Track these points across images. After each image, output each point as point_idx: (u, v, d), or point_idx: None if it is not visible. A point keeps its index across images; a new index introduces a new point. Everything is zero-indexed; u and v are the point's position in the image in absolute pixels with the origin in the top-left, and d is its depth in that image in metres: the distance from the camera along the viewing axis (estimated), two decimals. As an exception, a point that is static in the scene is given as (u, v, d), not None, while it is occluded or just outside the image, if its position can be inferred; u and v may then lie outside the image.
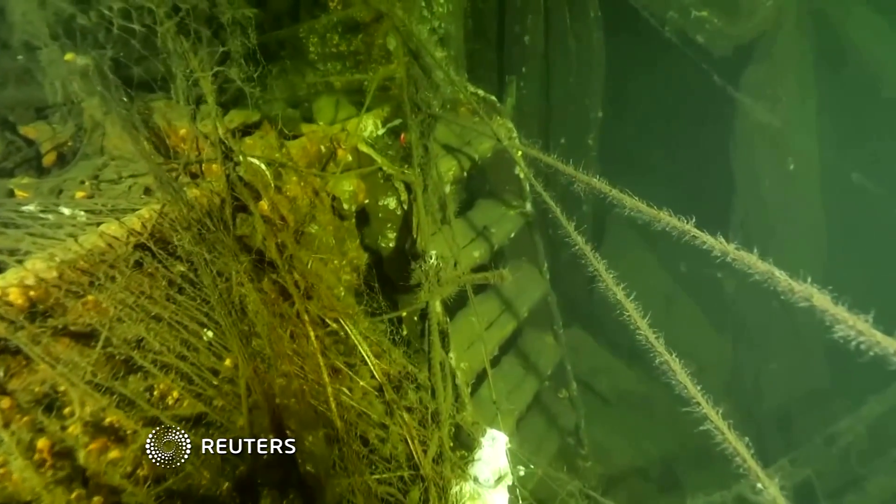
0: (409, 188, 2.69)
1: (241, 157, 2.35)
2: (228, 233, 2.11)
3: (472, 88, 3.65)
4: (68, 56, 2.54)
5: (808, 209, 4.70)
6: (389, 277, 2.88)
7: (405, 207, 2.76)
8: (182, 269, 2.01)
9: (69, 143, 2.75)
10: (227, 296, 2.02)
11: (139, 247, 1.96)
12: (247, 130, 2.68)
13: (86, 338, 1.75)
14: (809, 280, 1.51)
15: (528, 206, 3.79)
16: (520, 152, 3.69)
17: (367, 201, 2.85)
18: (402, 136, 2.83)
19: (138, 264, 1.93)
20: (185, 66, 2.28)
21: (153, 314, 1.90)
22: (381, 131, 3.10)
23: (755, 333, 5.09)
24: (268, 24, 3.62)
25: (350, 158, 2.78)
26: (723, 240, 1.92)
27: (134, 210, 2.03)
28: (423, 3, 3.46)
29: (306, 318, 2.13)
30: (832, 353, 4.90)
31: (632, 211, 2.15)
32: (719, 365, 5.45)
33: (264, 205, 2.38)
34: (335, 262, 2.85)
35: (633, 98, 5.62)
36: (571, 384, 4.22)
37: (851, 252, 4.84)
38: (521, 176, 3.73)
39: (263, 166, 2.44)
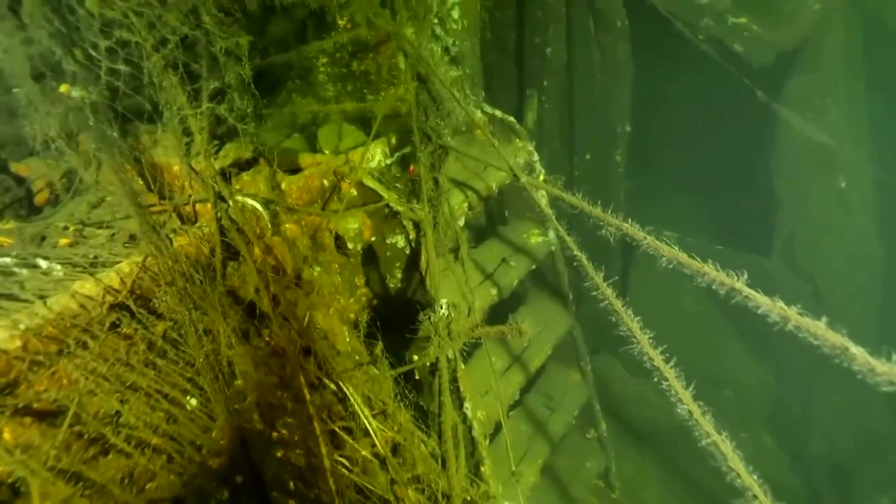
0: (417, 226, 2.47)
1: (234, 198, 2.16)
2: (217, 286, 1.91)
3: (489, 109, 3.41)
4: (63, 87, 2.39)
5: (861, 231, 4.31)
6: (398, 320, 2.66)
7: (414, 246, 2.54)
8: (164, 328, 1.81)
9: (63, 180, 2.61)
10: (215, 358, 1.82)
11: (116, 306, 1.77)
12: (244, 165, 2.49)
13: (51, 416, 1.57)
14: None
15: (551, 234, 3.53)
16: (542, 175, 3.44)
17: (373, 239, 2.63)
18: (412, 167, 2.61)
19: (115, 326, 1.74)
20: (175, 100, 2.10)
21: (130, 383, 1.71)
22: (389, 160, 2.89)
23: (803, 363, 4.71)
24: (273, 46, 3.46)
25: (355, 193, 2.58)
26: (782, 303, 1.64)
27: (114, 263, 1.85)
28: (436, 21, 3.24)
29: (302, 380, 1.92)
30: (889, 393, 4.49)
31: (671, 262, 1.88)
32: (761, 396, 5.08)
33: (259, 250, 2.18)
34: (341, 301, 2.65)
35: (663, 111, 5.30)
36: (600, 424, 3.93)
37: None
38: (543, 202, 3.47)
39: (260, 207, 2.25)
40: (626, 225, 1.95)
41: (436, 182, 2.51)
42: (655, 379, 1.88)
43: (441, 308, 2.15)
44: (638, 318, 5.17)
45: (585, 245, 5.41)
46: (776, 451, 5.10)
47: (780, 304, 1.59)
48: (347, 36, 3.13)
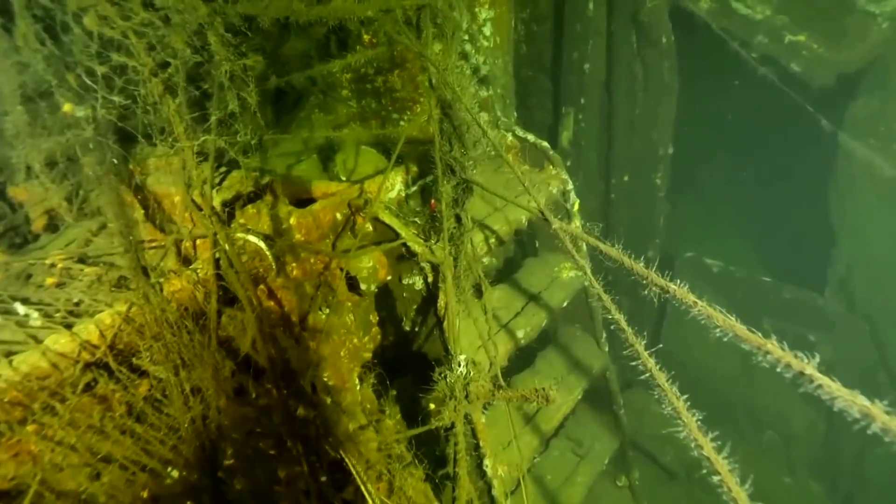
0: (436, 269, 2.23)
1: (235, 236, 1.96)
2: (210, 338, 1.71)
3: (521, 133, 3.16)
4: (66, 107, 2.25)
5: (929, 268, 3.90)
6: (414, 361, 2.42)
7: (431, 290, 2.31)
8: (147, 388, 1.62)
9: (63, 205, 2.45)
10: (202, 423, 1.61)
11: (93, 364, 1.58)
12: (251, 196, 2.30)
13: (6, 497, 1.38)
14: None
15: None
16: (576, 205, 3.18)
17: (389, 278, 2.41)
18: (433, 202, 2.38)
19: (89, 387, 1.55)
20: (174, 129, 1.92)
21: (103, 455, 1.51)
22: (410, 190, 2.66)
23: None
24: (293, 62, 3.28)
25: (370, 228, 2.36)
26: (864, 399, 1.34)
27: (96, 312, 1.66)
28: (467, 37, 3.01)
29: (300, 449, 1.70)
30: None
31: (727, 333, 1.60)
32: (810, 439, 4.67)
33: (261, 295, 1.97)
34: (354, 340, 2.43)
35: (709, 133, 4.96)
36: (633, 471, 3.63)
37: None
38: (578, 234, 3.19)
39: (263, 245, 2.05)
40: (672, 285, 1.66)
41: (458, 220, 2.27)
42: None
43: (459, 365, 1.91)
44: (675, 349, 4.76)
45: (620, 269, 5.11)
46: (823, 500, 4.69)
47: (862, 398, 1.29)
48: (372, 52, 2.92)
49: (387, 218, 2.29)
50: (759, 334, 1.58)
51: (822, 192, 3.98)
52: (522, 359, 3.20)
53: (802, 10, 3.65)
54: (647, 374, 1.71)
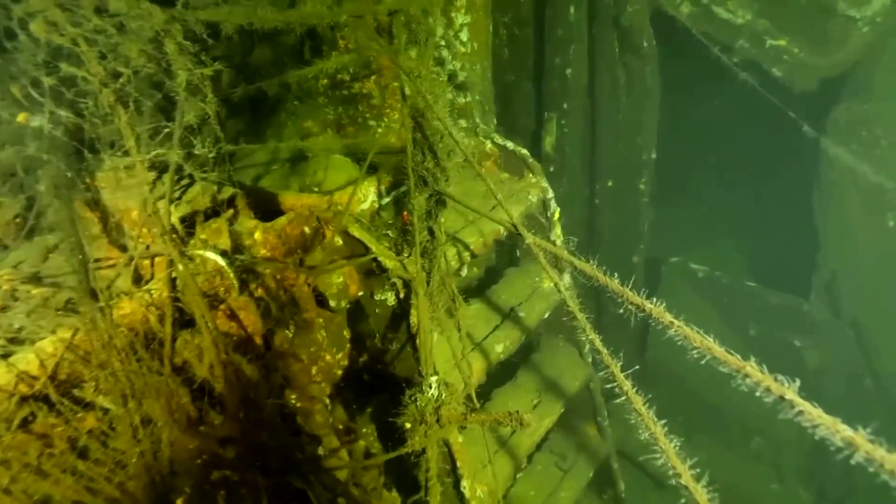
0: (407, 285, 2.14)
1: (193, 253, 1.86)
2: (164, 365, 1.61)
3: (500, 140, 3.09)
4: (21, 117, 2.14)
5: (914, 273, 3.87)
6: (389, 379, 2.33)
7: (404, 307, 2.22)
8: (92, 422, 1.51)
9: (17, 220, 2.34)
10: (153, 457, 1.51)
11: (31, 397, 1.47)
12: (215, 210, 2.20)
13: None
14: None
15: (567, 278, 3.18)
16: (557, 214, 3.10)
17: (360, 294, 2.31)
18: (405, 214, 2.29)
19: (26, 422, 1.44)
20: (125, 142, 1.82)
21: (40, 497, 1.41)
22: (384, 201, 2.58)
23: (843, 416, 4.25)
24: (266, 68, 3.18)
25: (340, 242, 2.26)
26: (847, 428, 1.27)
27: (36, 340, 1.55)
28: (443, 43, 2.93)
29: (261, 482, 1.60)
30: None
31: (702, 354, 1.52)
32: (798, 445, 4.63)
33: (221, 315, 1.87)
34: (327, 357, 2.34)
35: (693, 139, 4.92)
36: (619, 483, 3.55)
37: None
38: (558, 242, 3.12)
39: (224, 263, 1.95)
40: (648, 304, 1.59)
41: (431, 233, 2.19)
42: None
43: (430, 388, 1.82)
44: (662, 354, 4.66)
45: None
46: (815, 508, 4.65)
47: (844, 427, 1.22)
48: (346, 58, 2.83)
49: (356, 232, 2.20)
50: (738, 356, 1.51)
51: (807, 197, 3.94)
52: (504, 371, 3.12)
53: (783, 15, 3.62)
54: (624, 398, 1.64)
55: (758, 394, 1.41)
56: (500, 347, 2.70)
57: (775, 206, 4.41)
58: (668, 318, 1.58)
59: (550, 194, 3.01)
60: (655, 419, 1.54)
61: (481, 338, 2.70)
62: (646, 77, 4.08)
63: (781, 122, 3.74)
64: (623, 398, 1.67)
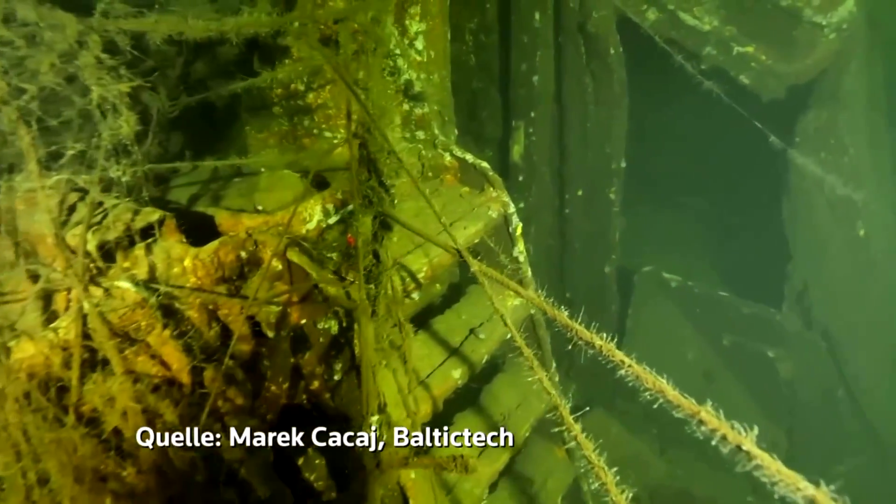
0: (350, 314, 2.00)
1: (110, 284, 1.70)
2: (68, 414, 1.44)
3: (458, 152, 2.96)
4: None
5: (883, 283, 3.83)
6: (336, 419, 2.18)
7: (348, 337, 2.07)
8: (-22, 483, 1.34)
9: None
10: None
11: None
12: (143, 233, 2.03)
13: None
14: None
15: (531, 295, 3.05)
16: (519, 229, 2.99)
17: (303, 321, 2.16)
18: (350, 236, 2.15)
19: None
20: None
21: None
22: (332, 220, 2.43)
23: (817, 427, 4.21)
24: (212, 79, 3.02)
25: (280, 267, 2.11)
26: (809, 486, 1.16)
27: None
28: (399, 51, 2.80)
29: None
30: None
31: (655, 396, 1.40)
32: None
33: (141, 353, 1.71)
34: (272, 388, 2.18)
35: (661, 147, 4.85)
36: (588, 505, 3.44)
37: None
38: (522, 259, 3.01)
39: (146, 293, 1.79)
40: (599, 340, 1.47)
41: (376, 257, 2.05)
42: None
43: (371, 426, 1.68)
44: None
45: (580, 285, 4.94)
46: (789, 521, 4.59)
47: (806, 483, 1.11)
48: (293, 69, 2.69)
49: (295, 257, 2.05)
50: (693, 400, 1.39)
51: (778, 206, 3.88)
52: (468, 393, 2.99)
53: (750, 22, 3.55)
54: (573, 443, 1.52)
55: (714, 442, 1.30)
56: (458, 373, 2.57)
57: (748, 215, 4.34)
58: (620, 355, 1.46)
59: (512, 209, 2.89)
60: (606, 468, 1.42)
61: (438, 363, 2.57)
62: (613, 84, 3.99)
63: (753, 129, 3.67)
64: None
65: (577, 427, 1.48)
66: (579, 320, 4.38)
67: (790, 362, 4.17)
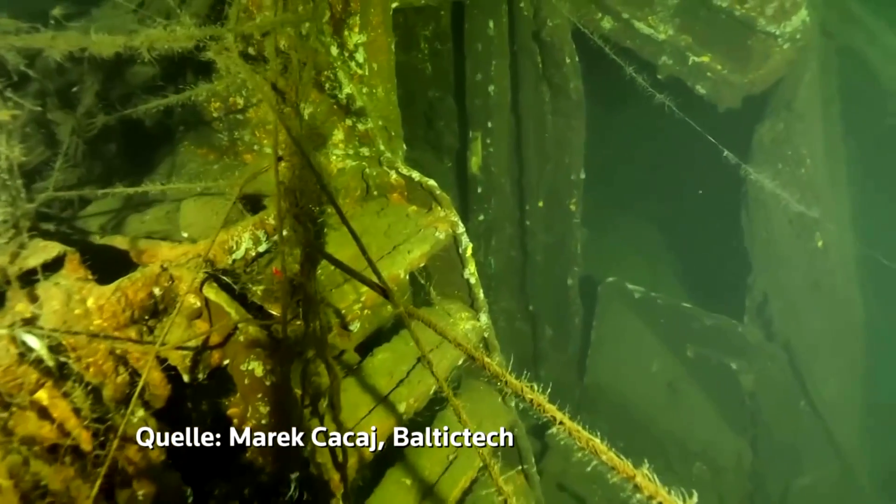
0: (273, 355, 1.84)
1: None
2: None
3: (404, 170, 2.82)
4: None
5: (842, 294, 3.81)
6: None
7: (275, 381, 1.91)
8: None
9: None
10: None
11: None
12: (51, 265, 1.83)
13: None
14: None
15: (484, 318, 2.93)
16: (469, 250, 2.85)
17: (226, 362, 1.99)
18: (275, 268, 1.98)
19: None
20: None
21: None
22: (262, 246, 2.26)
23: (780, 439, 4.17)
24: (139, 94, 2.82)
25: (199, 304, 1.94)
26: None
27: None
28: (339, 63, 2.64)
29: None
30: (879, 468, 3.98)
31: (588, 456, 1.27)
32: (738, 470, 4.52)
33: (29, 410, 1.52)
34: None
35: (621, 158, 4.78)
36: (549, 532, 3.32)
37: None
38: (473, 281, 2.87)
39: (39, 342, 1.60)
40: (530, 392, 1.34)
41: (304, 291, 1.89)
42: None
43: (290, 488, 1.52)
44: (601, 378, 4.42)
45: (544, 297, 4.83)
46: (756, 534, 4.55)
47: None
48: (220, 84, 2.51)
49: (212, 293, 1.87)
50: (629, 462, 1.27)
51: (737, 219, 3.82)
52: (419, 419, 2.84)
53: (705, 31, 3.48)
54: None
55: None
56: (404, 406, 2.42)
57: (711, 225, 4.28)
58: (553, 410, 1.33)
59: (461, 229, 2.75)
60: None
61: (381, 396, 2.41)
62: (570, 94, 3.89)
63: (711, 142, 3.61)
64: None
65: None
66: (544, 334, 4.25)
67: (752, 374, 4.13)
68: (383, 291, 1.61)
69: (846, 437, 3.99)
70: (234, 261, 2.19)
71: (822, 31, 3.59)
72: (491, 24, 3.88)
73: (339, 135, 2.91)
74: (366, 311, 3.02)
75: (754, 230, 3.71)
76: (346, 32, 2.62)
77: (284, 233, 2.03)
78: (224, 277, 1.94)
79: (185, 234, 2.37)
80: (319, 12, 2.30)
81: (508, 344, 5.18)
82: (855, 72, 3.75)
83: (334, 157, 2.94)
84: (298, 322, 1.88)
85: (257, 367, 1.92)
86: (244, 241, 2.23)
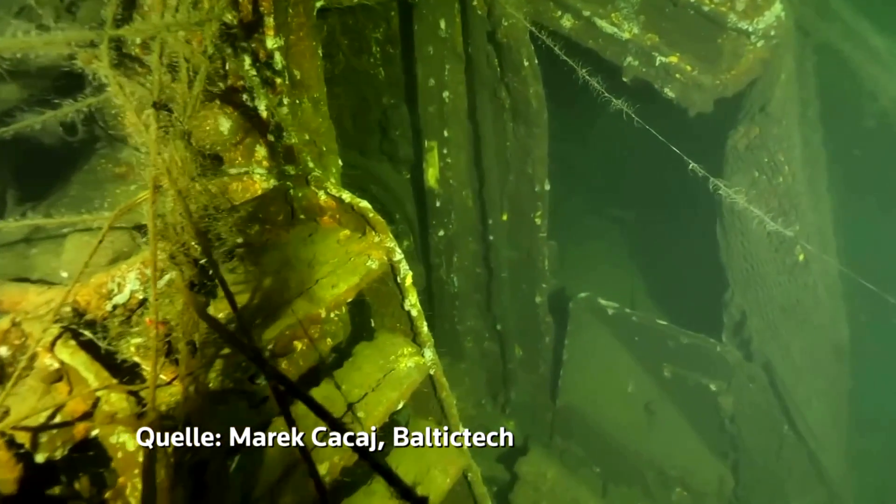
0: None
1: None
2: None
3: (333, 190, 2.50)
4: None
5: (825, 311, 3.54)
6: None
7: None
8: None
9: None
10: None
11: None
12: None
13: None
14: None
15: (429, 354, 2.61)
16: (409, 279, 2.54)
17: (94, 434, 1.66)
18: (149, 318, 1.65)
19: None
20: None
21: None
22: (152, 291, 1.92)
23: (763, 464, 3.90)
24: (22, 109, 2.47)
25: (57, 365, 1.60)
26: None
27: None
28: (249, 72, 2.31)
29: None
30: (867, 495, 3.72)
31: None
32: (720, 497, 4.24)
33: None
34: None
35: (587, 168, 4.49)
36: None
37: (886, 364, 3.68)
38: (415, 313, 2.56)
39: None
40: None
41: (193, 347, 1.57)
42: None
43: None
44: (575, 400, 4.08)
45: (512, 315, 4.53)
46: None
47: None
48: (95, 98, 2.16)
49: (66, 354, 1.54)
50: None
51: (712, 231, 3.54)
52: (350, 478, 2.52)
53: (672, 29, 3.19)
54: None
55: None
56: (326, 466, 2.10)
57: (685, 242, 4.00)
58: None
59: (398, 256, 2.43)
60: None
61: (299, 456, 2.09)
62: (530, 99, 3.60)
63: (690, 146, 3.32)
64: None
65: None
66: (514, 354, 3.89)
67: (732, 396, 3.85)
68: (257, 358, 1.29)
69: (832, 461, 3.73)
70: (114, 307, 1.86)
71: (799, 28, 3.32)
72: (442, 24, 3.57)
73: (261, 152, 2.59)
74: (300, 347, 2.70)
75: (730, 243, 3.43)
76: (257, 36, 2.30)
77: (168, 276, 1.71)
78: (85, 331, 1.61)
79: (65, 274, 2.03)
80: (216, 13, 1.97)
81: (477, 365, 4.88)
82: (834, 71, 3.48)
83: (258, 177, 2.62)
84: (173, 387, 1.56)
85: (128, 441, 1.59)
86: (129, 282, 1.90)
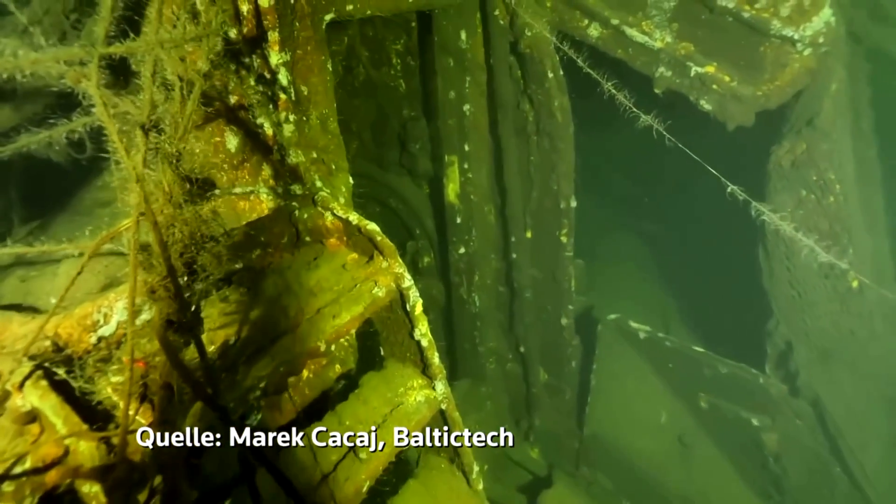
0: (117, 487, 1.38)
1: None
2: None
3: (340, 212, 2.35)
4: None
5: (881, 343, 3.21)
6: None
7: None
8: None
9: None
10: None
11: None
12: None
13: None
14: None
15: (440, 387, 2.43)
16: (419, 307, 2.37)
17: (67, 481, 1.54)
18: (141, 361, 1.53)
19: None
20: None
21: None
22: (141, 319, 1.81)
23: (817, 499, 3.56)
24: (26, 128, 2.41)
25: (24, 407, 1.49)
26: None
27: None
28: (252, 89, 2.20)
29: None
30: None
31: None
32: (763, 540, 3.91)
33: None
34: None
35: (617, 185, 4.25)
36: None
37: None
38: (426, 343, 2.38)
39: None
40: None
41: (172, 394, 1.44)
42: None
43: None
44: (602, 430, 3.83)
45: (534, 339, 4.31)
46: None
47: None
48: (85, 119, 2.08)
49: (34, 397, 1.42)
50: None
51: (754, 255, 3.27)
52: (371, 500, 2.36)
53: (709, 37, 2.96)
54: None
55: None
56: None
57: (725, 265, 3.72)
58: None
59: (408, 282, 2.27)
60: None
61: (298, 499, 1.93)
62: (555, 112, 3.41)
63: (730, 166, 3.07)
64: None
65: None
66: (538, 378, 3.66)
67: (776, 433, 3.54)
68: (224, 418, 1.13)
69: (890, 507, 3.38)
70: (99, 339, 1.75)
71: (850, 34, 3.04)
72: (463, 35, 3.42)
73: (268, 170, 2.48)
74: (306, 375, 2.57)
75: (773, 268, 3.15)
76: (261, 52, 2.18)
77: (148, 312, 1.59)
78: (59, 370, 1.49)
79: (53, 300, 1.94)
80: (215, 29, 1.86)
81: (500, 388, 4.67)
82: (889, 80, 3.18)
83: (264, 196, 2.50)
84: (145, 432, 1.42)
85: (99, 492, 1.46)
86: (116, 312, 1.79)
